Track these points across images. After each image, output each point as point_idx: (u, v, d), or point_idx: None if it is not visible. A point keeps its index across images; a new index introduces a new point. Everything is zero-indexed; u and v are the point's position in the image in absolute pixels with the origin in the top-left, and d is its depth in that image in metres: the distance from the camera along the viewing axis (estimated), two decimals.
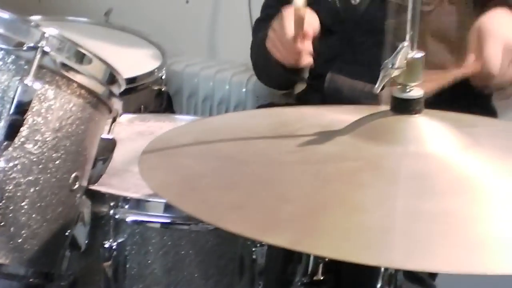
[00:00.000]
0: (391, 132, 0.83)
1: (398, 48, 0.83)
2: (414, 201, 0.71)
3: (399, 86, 0.86)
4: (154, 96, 1.84)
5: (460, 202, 0.72)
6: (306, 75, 1.57)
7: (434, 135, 0.84)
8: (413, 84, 0.85)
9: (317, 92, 1.61)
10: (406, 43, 0.83)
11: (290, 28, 1.39)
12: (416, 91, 0.86)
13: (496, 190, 0.76)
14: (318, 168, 0.75)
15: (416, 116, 0.85)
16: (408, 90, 0.85)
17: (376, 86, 0.84)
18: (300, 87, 1.76)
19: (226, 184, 0.73)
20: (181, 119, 1.59)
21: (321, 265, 1.18)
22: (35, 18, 2.05)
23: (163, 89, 1.84)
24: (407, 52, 0.84)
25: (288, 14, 1.40)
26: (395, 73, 0.83)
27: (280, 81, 1.65)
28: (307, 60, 1.44)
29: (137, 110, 1.78)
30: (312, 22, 1.43)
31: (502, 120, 1.38)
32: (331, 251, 0.60)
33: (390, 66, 0.84)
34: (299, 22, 1.37)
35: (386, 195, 0.71)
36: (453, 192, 0.74)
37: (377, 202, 0.69)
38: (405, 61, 0.84)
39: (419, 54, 0.85)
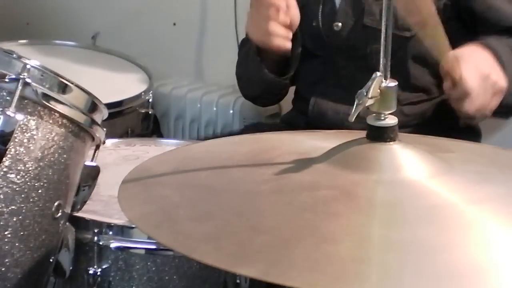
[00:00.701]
0: (366, 160, 0.84)
1: (371, 78, 0.85)
2: (385, 230, 0.72)
3: (373, 114, 0.87)
4: (141, 119, 1.86)
5: (433, 231, 0.73)
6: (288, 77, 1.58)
7: (409, 162, 0.85)
8: (387, 112, 0.87)
9: (302, 115, 1.63)
10: (379, 73, 0.85)
11: None
12: (390, 119, 0.87)
13: (468, 217, 0.77)
14: (292, 197, 0.77)
15: (391, 143, 0.86)
16: (382, 118, 0.87)
17: (351, 114, 0.85)
18: (286, 109, 1.78)
19: (201, 215, 0.75)
20: (167, 143, 1.61)
21: None
22: (23, 41, 2.07)
23: (150, 112, 1.86)
24: (380, 82, 0.86)
25: None
26: (369, 102, 0.85)
27: (263, 87, 1.65)
28: (283, 41, 1.45)
29: (124, 133, 1.80)
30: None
31: (478, 144, 1.39)
32: (302, 282, 0.61)
33: (365, 94, 0.85)
34: None
35: (359, 224, 0.72)
36: (426, 221, 0.75)
37: (350, 232, 0.70)
38: (379, 90, 0.85)
39: (392, 83, 0.86)
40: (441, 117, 1.57)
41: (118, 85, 1.89)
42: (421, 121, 1.55)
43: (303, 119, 1.63)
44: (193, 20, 2.34)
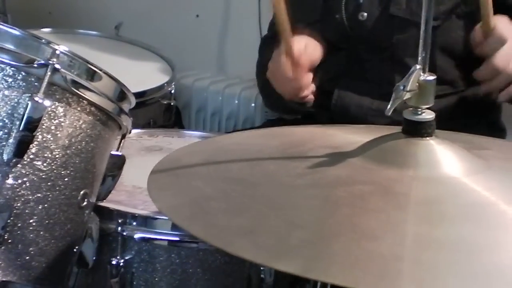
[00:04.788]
0: (402, 155, 0.82)
1: (410, 71, 0.83)
2: (425, 227, 0.70)
3: (410, 109, 0.85)
4: (163, 110, 1.84)
5: (472, 229, 0.71)
6: (309, 104, 1.56)
7: (446, 158, 0.83)
8: (424, 106, 0.85)
9: (324, 109, 1.60)
10: (418, 66, 0.83)
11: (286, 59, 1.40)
12: (427, 114, 0.85)
13: (509, 217, 0.75)
14: (328, 192, 0.75)
15: (428, 139, 0.84)
16: (420, 113, 0.85)
17: (388, 108, 0.83)
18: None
19: (235, 208, 0.73)
20: (190, 134, 1.60)
21: (329, 285, 1.17)
22: (46, 30, 2.06)
23: (172, 104, 1.85)
24: (419, 75, 0.83)
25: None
26: (407, 95, 0.83)
27: (281, 109, 1.66)
28: (307, 95, 1.45)
29: (146, 124, 1.78)
30: (311, 54, 1.43)
31: None
32: (341, 279, 0.59)
33: (402, 88, 0.83)
34: (287, 45, 1.37)
35: (396, 221, 0.70)
36: (465, 218, 0.73)
37: (387, 229, 0.68)
38: (417, 84, 0.83)
39: (431, 77, 0.84)
40: (466, 113, 1.54)
41: (140, 75, 1.87)
42: (446, 116, 1.52)
43: (324, 114, 1.60)
44: (216, 12, 2.32)
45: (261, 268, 1.13)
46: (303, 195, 0.75)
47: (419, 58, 0.84)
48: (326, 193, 0.74)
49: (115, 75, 1.04)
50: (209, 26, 2.34)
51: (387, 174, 0.79)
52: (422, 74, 0.84)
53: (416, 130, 0.84)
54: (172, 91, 1.84)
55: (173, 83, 1.85)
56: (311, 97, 1.48)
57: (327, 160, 0.82)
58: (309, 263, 0.61)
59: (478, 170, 0.82)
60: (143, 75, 1.88)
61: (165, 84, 1.82)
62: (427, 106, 0.85)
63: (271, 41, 1.68)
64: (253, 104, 2.16)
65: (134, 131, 1.52)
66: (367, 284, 0.59)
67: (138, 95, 1.71)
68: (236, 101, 2.18)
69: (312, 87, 1.47)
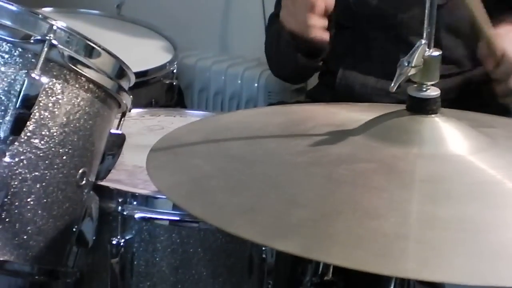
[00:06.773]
0: (406, 133, 0.81)
1: (415, 46, 0.81)
2: (429, 206, 0.68)
3: (415, 85, 0.83)
4: (165, 90, 1.82)
5: (478, 208, 0.69)
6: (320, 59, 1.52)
7: (451, 136, 0.81)
8: (430, 83, 0.83)
9: (328, 88, 1.58)
10: (423, 41, 0.81)
11: None
12: (432, 90, 0.83)
13: None
14: (330, 170, 0.73)
15: (433, 116, 0.82)
16: (424, 89, 0.83)
17: (392, 84, 0.81)
18: (311, 84, 1.73)
19: (235, 186, 0.71)
20: (192, 114, 1.58)
21: (331, 266, 1.15)
22: (47, 9, 2.03)
23: (174, 83, 1.83)
24: (424, 50, 0.81)
25: None
26: (412, 71, 0.81)
27: (294, 68, 1.61)
28: (321, 33, 1.41)
29: (148, 104, 1.77)
30: None
31: None
32: (343, 259, 0.57)
33: (406, 64, 0.81)
34: None
35: (400, 199, 0.69)
36: (470, 197, 0.71)
37: (390, 207, 0.67)
38: (422, 59, 0.81)
39: (436, 52, 0.82)
40: (472, 94, 1.52)
41: (142, 55, 1.85)
42: (452, 96, 1.50)
43: (329, 93, 1.58)
44: None
45: (263, 248, 1.12)
46: (304, 173, 0.73)
47: (425, 33, 0.81)
48: (327, 171, 0.73)
49: (117, 55, 1.02)
50: (212, 5, 2.31)
51: (390, 152, 0.77)
52: (427, 49, 0.82)
53: (421, 107, 0.83)
54: (174, 71, 1.82)
55: (175, 63, 1.83)
56: (326, 34, 1.43)
57: (329, 138, 0.80)
58: (309, 242, 0.60)
59: (484, 148, 0.81)
60: (145, 54, 1.86)
61: (167, 64, 1.80)
62: (432, 83, 0.83)
63: (277, 19, 1.66)
64: (256, 84, 2.14)
65: (136, 110, 1.50)
66: (369, 264, 0.57)
67: (140, 74, 1.70)
68: (239, 81, 2.16)
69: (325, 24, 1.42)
